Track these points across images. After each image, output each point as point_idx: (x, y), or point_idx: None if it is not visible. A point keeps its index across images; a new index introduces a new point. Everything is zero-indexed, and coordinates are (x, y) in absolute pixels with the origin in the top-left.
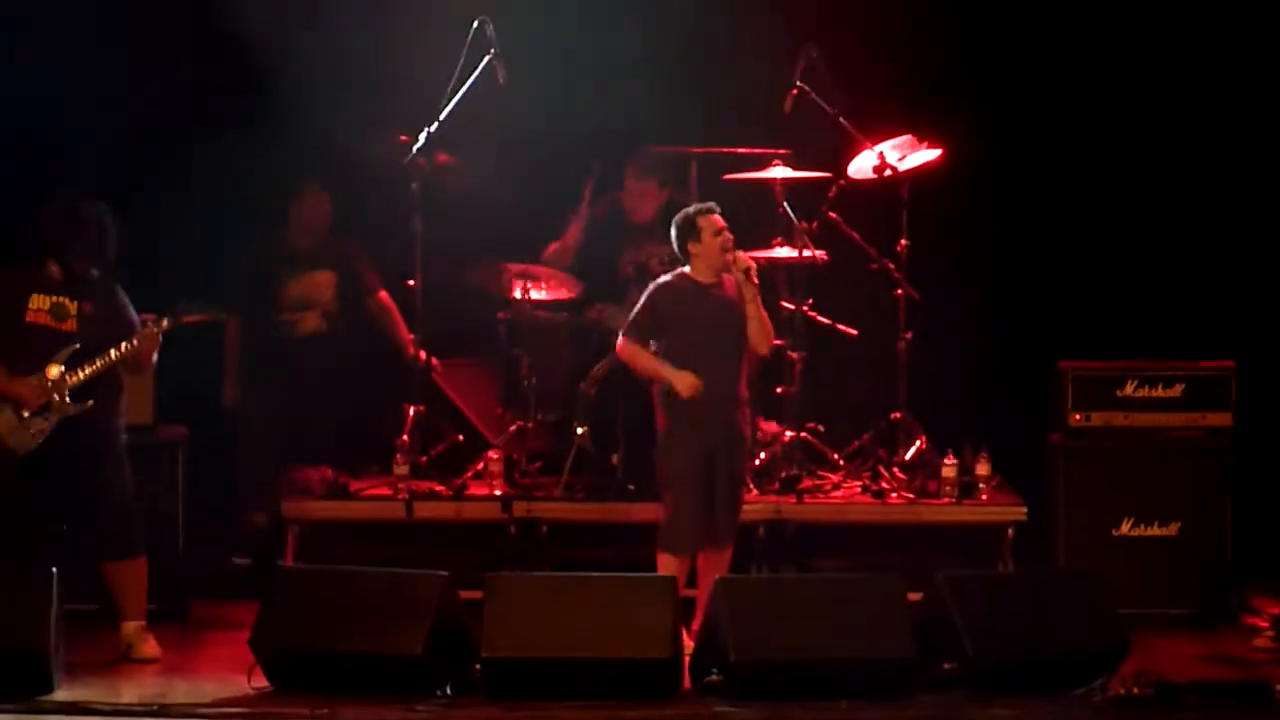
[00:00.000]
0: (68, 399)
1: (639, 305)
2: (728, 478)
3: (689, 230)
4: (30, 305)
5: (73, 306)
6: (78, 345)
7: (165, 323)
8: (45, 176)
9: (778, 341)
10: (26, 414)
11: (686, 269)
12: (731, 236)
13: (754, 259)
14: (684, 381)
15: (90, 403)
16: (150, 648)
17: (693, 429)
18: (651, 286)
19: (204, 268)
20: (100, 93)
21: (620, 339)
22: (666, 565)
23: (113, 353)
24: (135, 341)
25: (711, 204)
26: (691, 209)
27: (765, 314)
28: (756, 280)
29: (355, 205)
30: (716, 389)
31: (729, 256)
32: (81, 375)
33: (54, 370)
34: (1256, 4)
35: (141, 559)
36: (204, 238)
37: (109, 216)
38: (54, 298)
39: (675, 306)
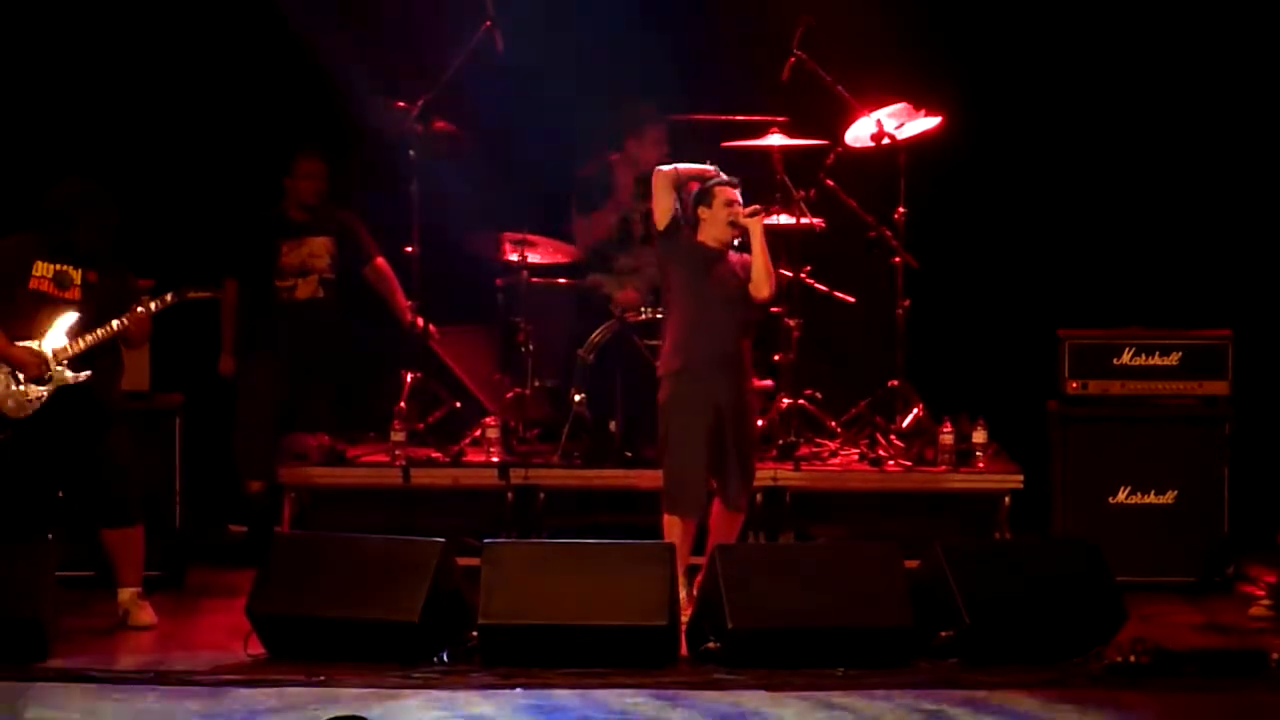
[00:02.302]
0: (66, 369)
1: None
2: (736, 442)
3: (704, 195)
4: (34, 272)
5: (77, 275)
6: (78, 315)
7: (169, 297)
8: (46, 146)
9: (776, 309)
10: (23, 380)
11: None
12: (742, 211)
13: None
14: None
15: (88, 374)
16: (146, 615)
17: (696, 392)
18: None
19: (202, 236)
20: (99, 63)
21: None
22: (672, 526)
23: (114, 324)
24: (140, 310)
25: (735, 179)
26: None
27: (769, 260)
28: (763, 224)
29: (353, 172)
30: (720, 353)
31: (736, 212)
32: (81, 345)
33: (55, 338)
34: None
35: (138, 526)
36: (202, 206)
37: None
38: (58, 265)
39: (689, 252)
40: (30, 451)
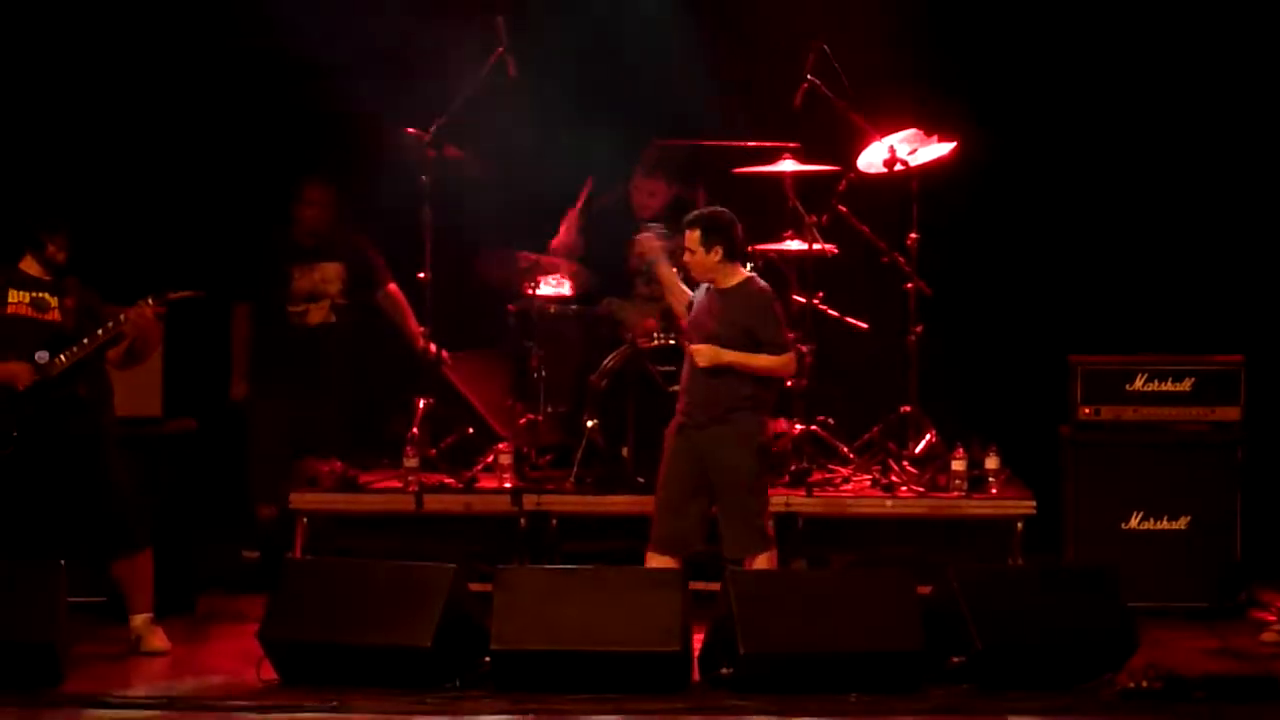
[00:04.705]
0: (57, 381)
1: None
2: (724, 487)
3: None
4: (9, 299)
5: (54, 301)
6: (62, 333)
7: (150, 300)
8: (53, 174)
9: (789, 334)
10: (17, 393)
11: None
12: (687, 260)
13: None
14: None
15: (80, 389)
16: (159, 640)
17: (677, 432)
18: None
19: (214, 261)
20: (108, 89)
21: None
22: (649, 560)
23: (99, 332)
24: (123, 318)
25: (689, 219)
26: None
27: (750, 360)
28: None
29: (366, 198)
30: (700, 394)
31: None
32: (69, 358)
33: (41, 355)
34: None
35: (147, 551)
36: (214, 231)
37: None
38: (33, 293)
39: (690, 309)
40: (34, 475)
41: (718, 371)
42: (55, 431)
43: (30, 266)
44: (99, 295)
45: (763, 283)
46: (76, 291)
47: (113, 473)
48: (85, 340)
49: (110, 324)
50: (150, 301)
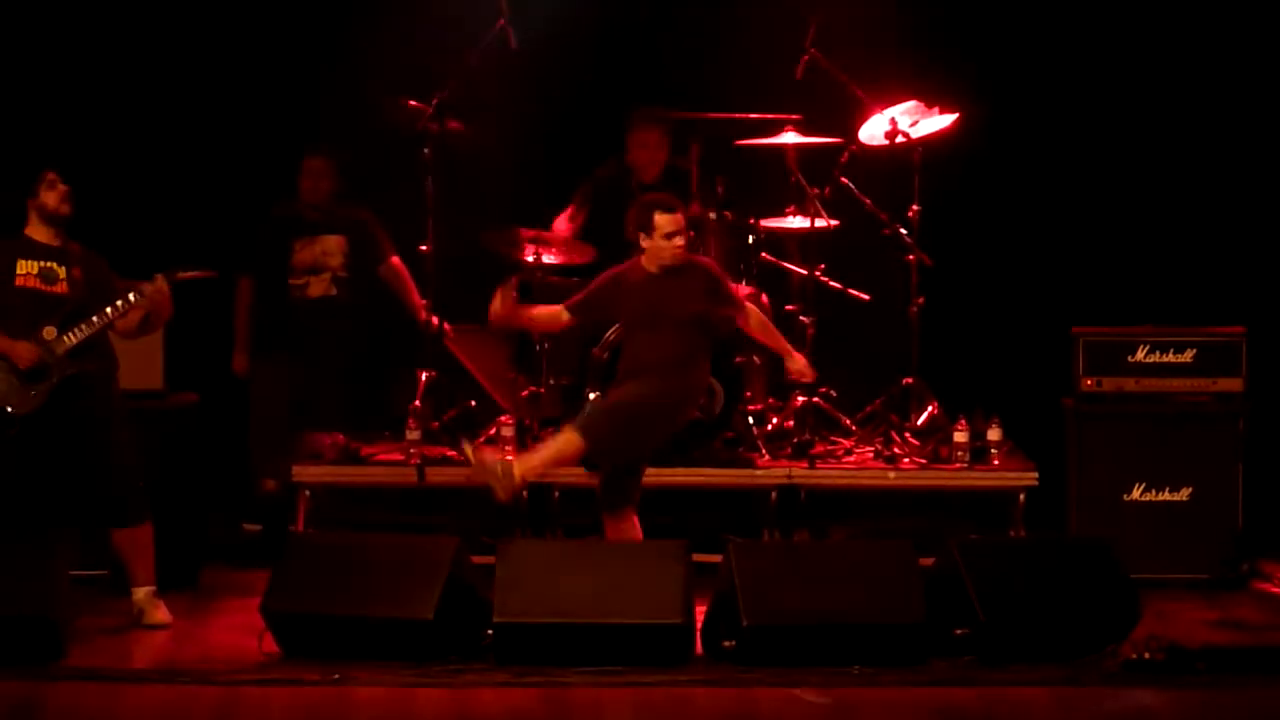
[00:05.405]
0: (66, 358)
1: (590, 284)
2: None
3: (644, 222)
4: (18, 270)
5: (62, 271)
6: (69, 307)
7: (160, 279)
8: (63, 146)
9: (791, 307)
10: (25, 374)
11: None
12: (682, 243)
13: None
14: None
15: (89, 365)
16: (161, 614)
17: None
18: (606, 272)
19: (216, 233)
20: (111, 61)
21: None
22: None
23: (109, 310)
24: (132, 297)
25: (673, 202)
26: (654, 200)
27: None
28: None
29: (367, 171)
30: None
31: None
32: (77, 335)
33: (49, 331)
34: None
35: (147, 524)
36: (216, 204)
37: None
38: (41, 263)
39: (615, 294)
40: (37, 448)
41: (691, 359)
42: (61, 407)
43: (37, 231)
44: (107, 263)
45: (699, 256)
46: (84, 261)
47: (117, 447)
48: (94, 318)
49: (120, 303)
50: (160, 281)
